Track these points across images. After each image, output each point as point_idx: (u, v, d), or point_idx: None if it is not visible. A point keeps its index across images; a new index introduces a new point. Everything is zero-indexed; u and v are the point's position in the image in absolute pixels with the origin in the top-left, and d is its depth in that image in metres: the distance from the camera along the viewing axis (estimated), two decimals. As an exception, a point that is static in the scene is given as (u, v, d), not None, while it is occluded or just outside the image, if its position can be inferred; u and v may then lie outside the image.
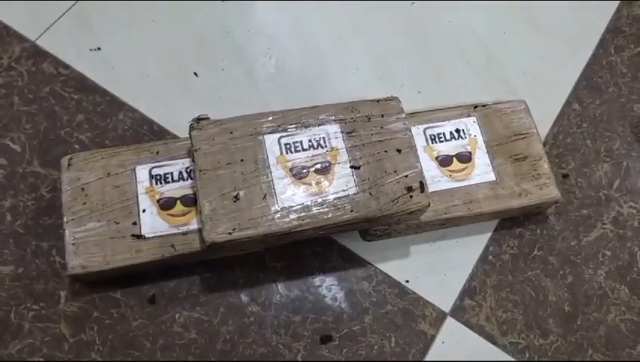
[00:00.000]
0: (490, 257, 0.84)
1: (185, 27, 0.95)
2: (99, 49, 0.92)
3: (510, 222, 0.87)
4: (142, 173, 0.78)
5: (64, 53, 0.91)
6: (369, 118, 0.79)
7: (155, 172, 0.79)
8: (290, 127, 0.77)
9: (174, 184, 0.78)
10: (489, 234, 0.86)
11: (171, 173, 0.79)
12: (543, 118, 0.94)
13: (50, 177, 0.82)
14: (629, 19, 1.04)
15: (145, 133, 0.87)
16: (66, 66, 0.90)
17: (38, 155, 0.84)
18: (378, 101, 0.81)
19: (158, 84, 0.91)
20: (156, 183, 0.78)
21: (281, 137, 0.77)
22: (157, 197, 0.77)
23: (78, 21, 0.93)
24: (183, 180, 0.79)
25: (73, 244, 0.74)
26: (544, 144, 0.91)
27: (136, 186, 0.77)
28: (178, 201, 0.77)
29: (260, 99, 0.92)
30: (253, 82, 0.93)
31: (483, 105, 0.88)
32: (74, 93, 0.88)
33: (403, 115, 0.80)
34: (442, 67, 0.97)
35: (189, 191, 0.78)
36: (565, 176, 0.90)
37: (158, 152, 0.80)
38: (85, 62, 0.90)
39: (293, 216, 0.72)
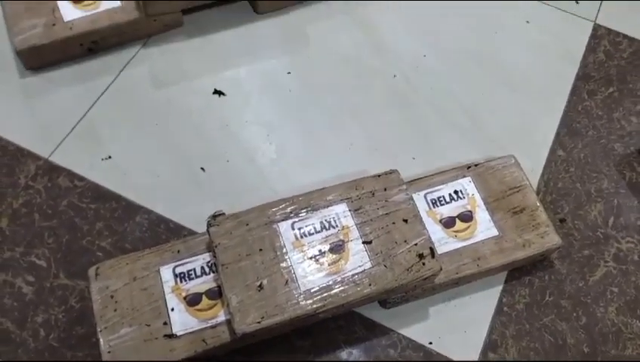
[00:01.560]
0: (505, 309, 0.88)
1: (186, 126, 1.02)
2: (109, 158, 0.97)
3: (518, 271, 0.91)
4: (166, 273, 0.82)
5: (77, 166, 0.96)
6: (373, 193, 0.84)
7: (178, 270, 0.82)
8: (301, 211, 0.82)
9: (198, 279, 0.82)
10: (500, 287, 0.90)
11: (194, 269, 0.83)
12: (533, 167, 1.00)
13: (78, 287, 0.86)
14: (595, 64, 1.12)
15: (162, 232, 0.92)
16: (81, 178, 0.95)
17: (64, 268, 0.87)
18: (379, 176, 0.86)
19: (169, 184, 0.96)
20: (181, 281, 0.82)
21: (294, 223, 0.81)
22: (183, 294, 0.81)
23: (86, 134, 0.99)
24: (206, 274, 0.82)
25: (109, 352, 0.76)
26: (537, 193, 0.97)
27: (163, 287, 0.81)
28: (204, 296, 0.81)
29: (266, 185, 0.97)
30: (257, 169, 0.98)
31: (476, 165, 0.94)
32: (91, 202, 0.93)
33: (404, 186, 0.86)
34: (431, 132, 1.04)
35: (214, 285, 0.81)
36: (562, 220, 0.95)
37: (179, 251, 0.84)
38: (98, 171, 0.96)
39: (316, 297, 0.76)
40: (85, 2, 1.04)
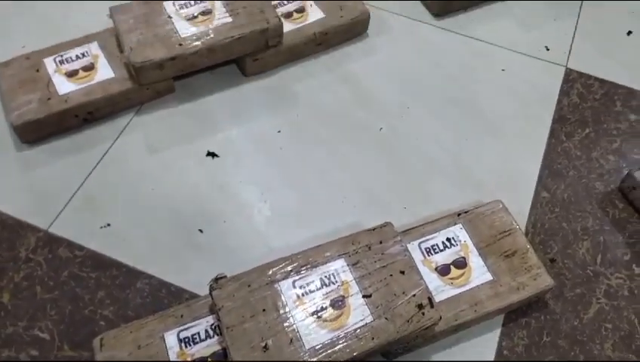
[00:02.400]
0: (506, 352, 0.90)
1: (182, 189, 1.04)
2: (108, 225, 0.99)
3: (515, 313, 0.93)
4: (170, 339, 0.83)
5: (77, 236, 0.97)
6: (369, 247, 0.87)
7: (182, 335, 0.83)
8: (301, 269, 0.84)
9: (203, 343, 0.83)
10: (498, 330, 0.92)
11: (198, 333, 0.84)
12: (520, 210, 1.03)
13: (83, 359, 0.86)
14: (570, 107, 1.17)
15: (164, 296, 0.93)
16: (81, 248, 0.96)
17: (67, 339, 0.88)
18: (374, 229, 0.89)
19: (168, 247, 0.97)
20: (186, 346, 0.83)
21: (294, 281, 0.83)
22: (189, 359, 0.82)
23: (84, 203, 1.01)
24: (210, 338, 0.83)
25: (118, 424, 0.76)
26: (526, 234, 1.00)
27: (168, 353, 0.82)
28: (209, 360, 0.82)
29: (263, 243, 0.99)
30: (254, 228, 1.01)
31: (465, 212, 0.97)
32: (91, 271, 0.94)
33: (399, 238, 0.88)
34: (420, 180, 1.07)
35: (218, 348, 0.82)
36: (552, 260, 0.99)
37: (182, 316, 0.85)
38: (98, 240, 0.97)
39: (321, 354, 0.77)
40: (79, 75, 1.08)
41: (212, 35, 1.08)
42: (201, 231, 0.99)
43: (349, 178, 1.07)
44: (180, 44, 1.07)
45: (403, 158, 1.10)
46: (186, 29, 1.08)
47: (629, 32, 1.29)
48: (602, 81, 1.21)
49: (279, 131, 1.12)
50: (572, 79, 1.21)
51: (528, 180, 1.08)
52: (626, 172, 1.05)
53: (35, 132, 1.05)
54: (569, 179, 1.08)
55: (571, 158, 1.11)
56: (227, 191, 1.04)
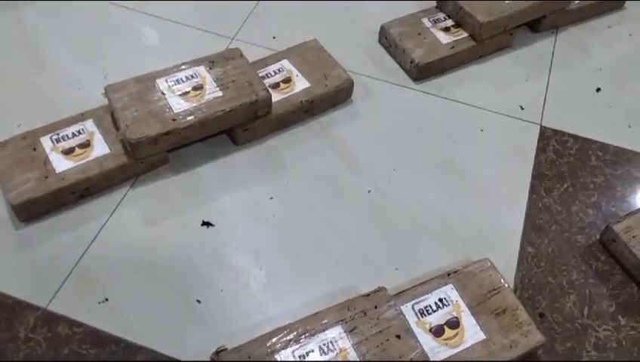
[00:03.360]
0: (503, 410, 0.91)
1: (179, 259, 1.06)
2: (106, 300, 1.00)
3: (509, 370, 0.96)
4: (173, 415, 0.84)
5: (75, 312, 0.98)
6: (365, 313, 0.90)
7: (185, 411, 0.84)
8: (300, 338, 0.86)
9: (205, 418, 0.84)
10: (495, 388, 0.94)
11: (200, 408, 0.85)
12: (507, 266, 1.07)
13: None
14: (547, 163, 1.23)
15: (164, 371, 0.93)
16: (79, 324, 0.97)
17: (68, 420, 0.88)
18: (368, 295, 0.92)
19: (167, 320, 0.99)
20: (188, 422, 0.83)
21: (294, 351, 0.85)
22: None
23: (82, 279, 1.02)
24: (212, 412, 0.84)
25: None
26: (515, 290, 1.04)
27: None
28: None
29: (260, 310, 1.01)
30: (251, 295, 1.03)
31: (455, 272, 1.01)
32: (91, 348, 0.95)
33: (393, 302, 0.91)
34: (409, 241, 1.11)
35: (221, 422, 0.83)
36: (542, 315, 1.02)
37: (183, 390, 0.86)
38: (96, 315, 0.98)
39: (323, 425, 0.79)
40: (76, 153, 1.11)
41: (204, 110, 1.13)
42: (199, 301, 1.01)
43: (341, 241, 1.10)
44: (174, 120, 1.11)
45: (392, 220, 1.14)
46: (179, 105, 1.13)
47: (598, 89, 1.37)
48: (576, 137, 1.28)
49: (271, 198, 1.15)
50: (547, 136, 1.28)
51: (513, 236, 1.12)
52: (605, 225, 1.10)
53: (33, 210, 1.07)
54: (552, 233, 1.13)
55: (552, 213, 1.15)
56: (223, 259, 1.07)
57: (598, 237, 1.12)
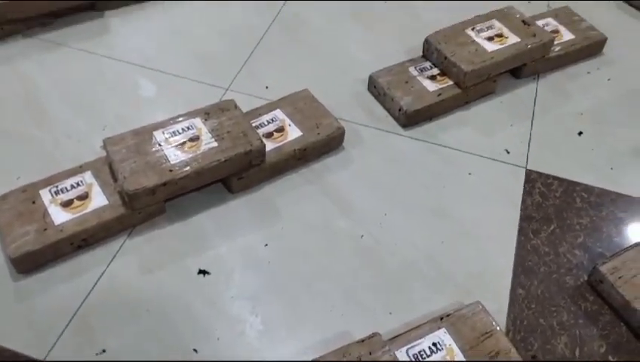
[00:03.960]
0: None
1: (176, 308, 1.07)
2: (104, 351, 1.01)
3: (504, 414, 0.96)
4: None
5: (73, 365, 0.99)
6: (360, 359, 0.91)
7: None
8: (296, 387, 0.87)
9: None
10: None
11: None
12: (498, 308, 1.09)
13: None
14: (534, 206, 1.27)
15: (161, 422, 0.94)
16: (77, 377, 0.98)
17: None
18: (363, 341, 0.94)
19: (164, 370, 1.00)
20: None
21: (291, 399, 0.86)
22: None
23: (80, 330, 1.03)
24: None
25: None
26: (507, 333, 1.06)
27: None
28: None
29: (257, 358, 1.02)
30: (247, 343, 1.04)
31: (447, 315, 1.03)
32: (88, 401, 0.95)
33: (387, 347, 0.93)
34: (402, 285, 1.13)
35: None
36: (534, 356, 1.03)
37: None
38: (94, 367, 0.99)
39: None
40: (74, 205, 1.14)
41: (200, 160, 1.17)
42: (195, 350, 1.02)
43: (335, 287, 1.12)
44: (171, 170, 1.14)
45: (385, 265, 1.16)
46: (175, 156, 1.17)
47: (580, 133, 1.43)
48: (561, 180, 1.32)
49: (266, 245, 1.18)
50: (533, 179, 1.32)
51: (504, 278, 1.15)
52: (592, 266, 1.13)
53: (31, 262, 1.09)
54: (541, 275, 1.15)
55: (541, 255, 1.18)
56: (219, 307, 1.08)
57: (586, 278, 1.14)
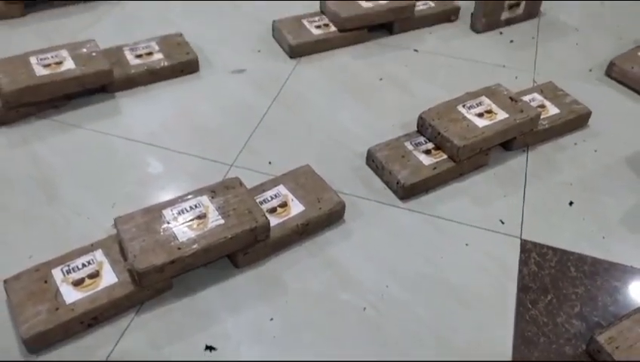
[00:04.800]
0: None
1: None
2: None
3: None
4: None
5: None
6: None
7: None
8: None
9: None
10: None
11: None
12: (501, 380, 1.11)
13: None
14: (530, 276, 1.31)
15: None
16: None
17: None
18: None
19: None
20: None
21: None
22: None
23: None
24: None
25: None
26: (510, 405, 1.07)
27: None
28: None
29: None
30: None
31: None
32: None
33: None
34: (404, 356, 1.15)
35: None
36: None
37: None
38: None
39: None
40: (85, 283, 1.17)
41: (207, 237, 1.21)
42: None
43: (340, 359, 1.14)
44: (179, 248, 1.19)
45: (388, 336, 1.19)
46: (183, 234, 1.21)
47: (571, 203, 1.49)
48: (555, 250, 1.37)
49: (272, 319, 1.21)
50: (528, 249, 1.36)
51: (504, 348, 1.17)
52: (590, 335, 1.15)
53: (42, 342, 1.11)
54: (540, 345, 1.18)
55: (539, 325, 1.21)
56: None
57: (584, 347, 1.17)
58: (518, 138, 1.59)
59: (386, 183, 1.52)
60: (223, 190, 1.33)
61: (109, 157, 1.55)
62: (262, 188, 1.42)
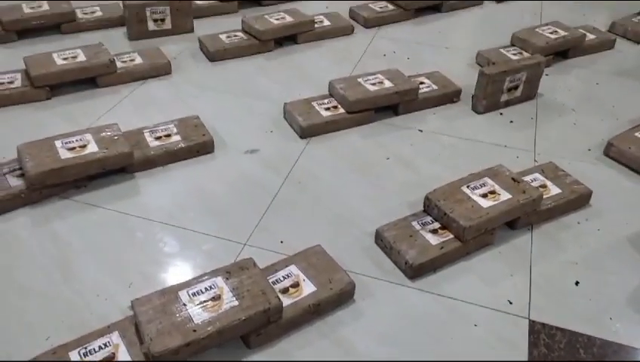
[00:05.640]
0: None
1: None
2: None
3: None
4: None
5: None
6: None
7: None
8: None
9: None
10: None
11: None
12: None
13: None
14: (540, 357, 1.32)
15: None
16: None
17: None
18: None
19: None
20: None
21: None
22: None
23: None
24: None
25: None
26: None
27: None
28: None
29: None
30: None
31: None
32: None
33: None
34: None
35: None
36: None
37: None
38: None
39: None
40: (102, 366, 1.19)
41: (222, 319, 1.24)
42: None
43: None
44: (194, 330, 1.22)
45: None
46: (199, 316, 1.25)
47: (577, 283, 1.51)
48: (563, 331, 1.38)
49: (284, 403, 1.22)
50: (537, 330, 1.38)
51: None
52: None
53: None
54: None
55: (551, 409, 1.22)
56: None
57: None
58: (522, 217, 1.64)
59: (395, 263, 1.55)
60: (237, 271, 1.37)
61: (126, 236, 1.60)
62: (274, 267, 1.46)
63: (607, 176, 1.91)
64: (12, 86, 2.10)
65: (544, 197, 1.68)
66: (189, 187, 1.79)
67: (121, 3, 2.66)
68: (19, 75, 2.15)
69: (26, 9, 2.55)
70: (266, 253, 1.56)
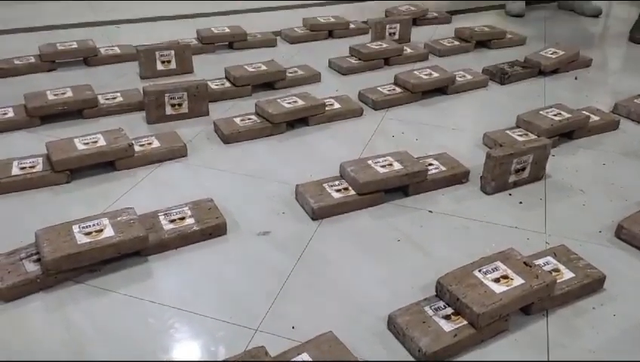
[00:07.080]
0: None
1: None
2: None
3: None
4: None
5: None
6: None
7: None
8: None
9: None
10: None
11: None
12: None
13: None
14: None
15: None
16: None
17: None
18: None
19: None
20: None
21: None
22: None
23: None
24: None
25: None
26: None
27: None
28: None
29: None
30: None
31: None
32: None
33: None
34: None
35: None
36: None
37: None
38: None
39: None
40: None
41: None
42: None
43: None
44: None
45: None
46: (210, 408, 1.23)
47: (595, 372, 1.48)
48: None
49: None
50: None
51: None
52: None
53: None
54: None
55: None
56: None
57: None
58: (536, 303, 1.63)
59: (408, 349, 1.53)
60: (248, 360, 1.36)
61: (138, 322, 1.60)
62: (286, 355, 1.44)
63: (619, 260, 1.90)
64: (34, 170, 2.17)
65: (558, 281, 1.67)
66: (202, 270, 1.81)
67: (141, 89, 2.79)
68: (40, 160, 2.23)
69: (50, 96, 2.69)
70: (278, 339, 1.55)
